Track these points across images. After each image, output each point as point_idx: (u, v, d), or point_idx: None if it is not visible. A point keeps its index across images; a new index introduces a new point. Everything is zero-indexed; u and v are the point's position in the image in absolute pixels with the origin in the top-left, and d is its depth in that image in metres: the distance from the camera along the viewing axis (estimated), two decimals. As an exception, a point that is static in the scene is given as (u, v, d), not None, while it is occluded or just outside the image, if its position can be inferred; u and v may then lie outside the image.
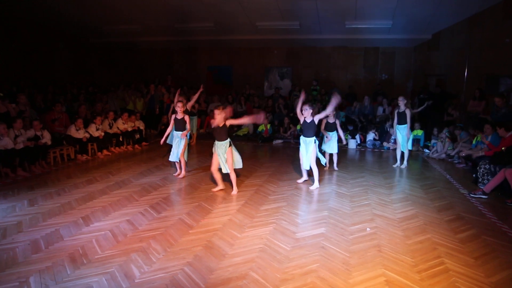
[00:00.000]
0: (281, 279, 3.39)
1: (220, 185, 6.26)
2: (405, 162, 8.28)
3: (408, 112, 7.91)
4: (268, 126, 12.12)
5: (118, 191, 6.21)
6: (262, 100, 14.04)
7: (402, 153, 8.27)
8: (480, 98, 9.21)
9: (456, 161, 8.81)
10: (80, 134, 8.81)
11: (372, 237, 4.38)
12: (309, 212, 5.26)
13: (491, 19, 9.54)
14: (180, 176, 7.16)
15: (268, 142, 11.68)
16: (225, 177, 6.31)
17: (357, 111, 12.61)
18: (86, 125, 9.15)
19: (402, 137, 8.06)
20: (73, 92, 12.00)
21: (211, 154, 6.13)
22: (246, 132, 12.61)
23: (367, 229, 4.63)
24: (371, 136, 11.10)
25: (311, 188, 6.44)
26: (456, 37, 11.24)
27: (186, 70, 16.34)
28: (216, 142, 5.93)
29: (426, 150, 10.18)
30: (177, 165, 7.26)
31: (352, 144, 10.97)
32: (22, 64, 12.38)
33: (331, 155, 7.99)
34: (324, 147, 7.83)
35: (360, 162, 9.01)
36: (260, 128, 12.13)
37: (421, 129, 10.61)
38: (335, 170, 7.83)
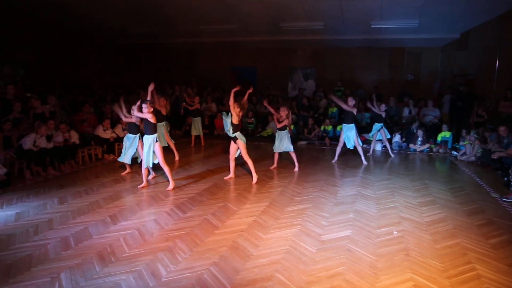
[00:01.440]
0: (307, 281, 3.37)
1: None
2: (362, 158, 8.58)
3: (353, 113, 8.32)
4: (292, 127, 12.04)
5: (144, 190, 6.32)
6: (286, 101, 13.98)
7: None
8: (513, 98, 8.91)
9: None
10: (107, 134, 9.02)
11: (399, 240, 4.30)
12: (335, 214, 5.20)
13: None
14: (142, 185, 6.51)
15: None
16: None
17: (383, 112, 12.40)
18: (113, 126, 9.34)
19: (348, 136, 8.37)
20: (101, 93, 12.27)
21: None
22: (270, 133, 12.58)
23: (394, 232, 4.54)
24: (397, 137, 10.88)
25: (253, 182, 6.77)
26: (486, 36, 10.88)
27: (210, 71, 16.47)
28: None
29: (454, 152, 9.91)
30: (144, 175, 6.54)
31: (378, 145, 10.78)
32: (52, 66, 12.72)
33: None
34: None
35: (386, 163, 8.85)
36: (284, 129, 12.06)
37: (449, 130, 10.35)
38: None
